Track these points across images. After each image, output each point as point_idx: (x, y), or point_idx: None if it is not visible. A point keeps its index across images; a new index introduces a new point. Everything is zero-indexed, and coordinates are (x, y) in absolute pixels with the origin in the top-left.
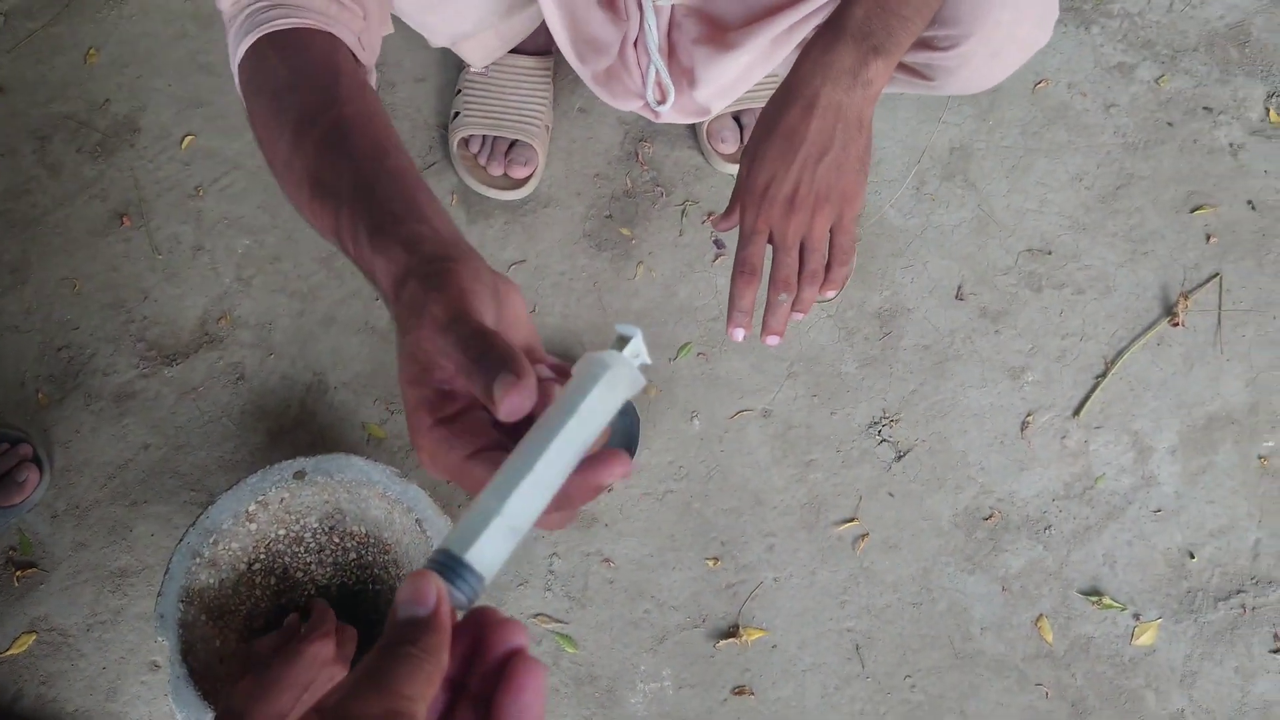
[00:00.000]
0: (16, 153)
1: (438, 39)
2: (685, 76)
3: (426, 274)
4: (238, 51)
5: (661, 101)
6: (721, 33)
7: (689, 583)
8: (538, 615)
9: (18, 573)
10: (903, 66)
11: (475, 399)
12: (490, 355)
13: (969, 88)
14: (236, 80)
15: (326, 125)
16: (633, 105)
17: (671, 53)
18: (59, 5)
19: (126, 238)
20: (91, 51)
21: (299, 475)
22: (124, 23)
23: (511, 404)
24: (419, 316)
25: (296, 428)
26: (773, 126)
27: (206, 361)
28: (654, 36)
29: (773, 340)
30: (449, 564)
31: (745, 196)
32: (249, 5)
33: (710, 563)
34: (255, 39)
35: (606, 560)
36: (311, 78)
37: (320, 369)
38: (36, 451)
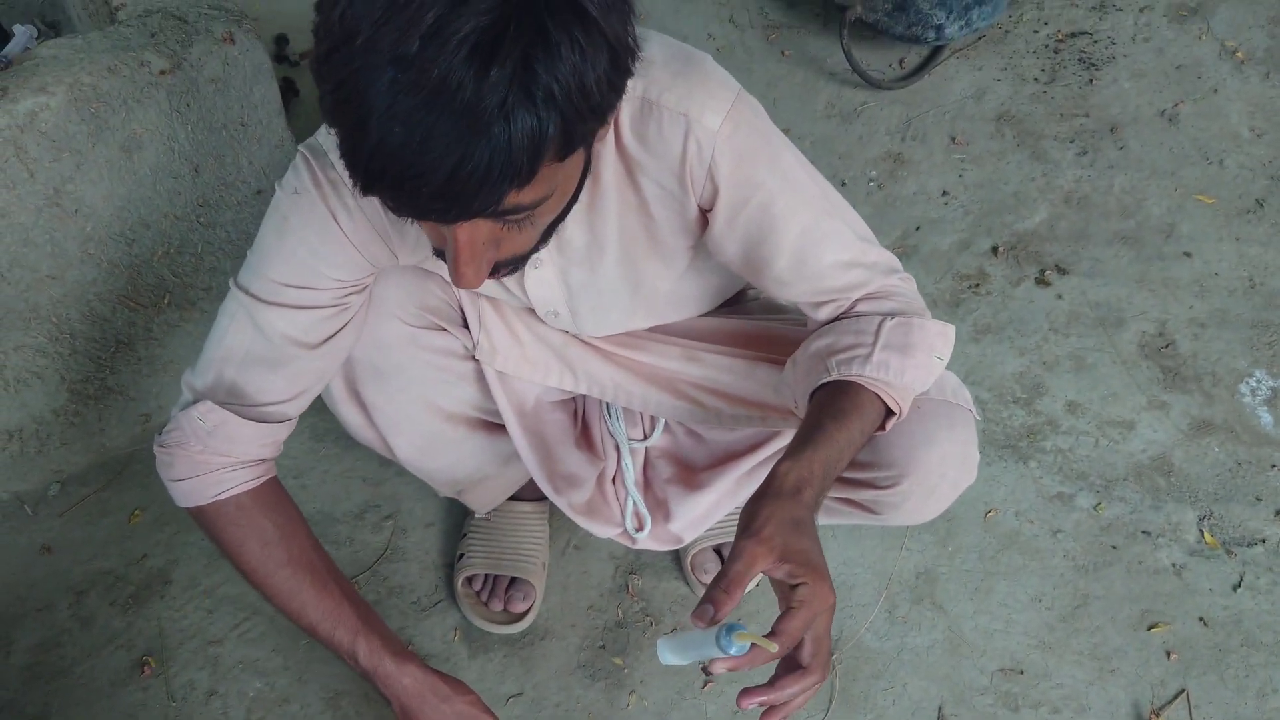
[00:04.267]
0: (53, 608)
1: (442, 489)
2: (660, 509)
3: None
4: (205, 494)
5: (640, 529)
6: (692, 473)
7: None
8: None
9: None
10: (854, 503)
11: None
12: None
13: (913, 519)
14: (198, 501)
15: (322, 569)
16: (611, 533)
17: (647, 487)
18: (112, 472)
19: (145, 686)
20: (136, 512)
21: None
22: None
23: None
24: (459, 690)
25: None
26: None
27: None
28: (631, 474)
29: None
30: None
31: (811, 570)
32: (205, 439)
33: None
34: (229, 495)
35: None
36: (288, 528)
37: None
38: None
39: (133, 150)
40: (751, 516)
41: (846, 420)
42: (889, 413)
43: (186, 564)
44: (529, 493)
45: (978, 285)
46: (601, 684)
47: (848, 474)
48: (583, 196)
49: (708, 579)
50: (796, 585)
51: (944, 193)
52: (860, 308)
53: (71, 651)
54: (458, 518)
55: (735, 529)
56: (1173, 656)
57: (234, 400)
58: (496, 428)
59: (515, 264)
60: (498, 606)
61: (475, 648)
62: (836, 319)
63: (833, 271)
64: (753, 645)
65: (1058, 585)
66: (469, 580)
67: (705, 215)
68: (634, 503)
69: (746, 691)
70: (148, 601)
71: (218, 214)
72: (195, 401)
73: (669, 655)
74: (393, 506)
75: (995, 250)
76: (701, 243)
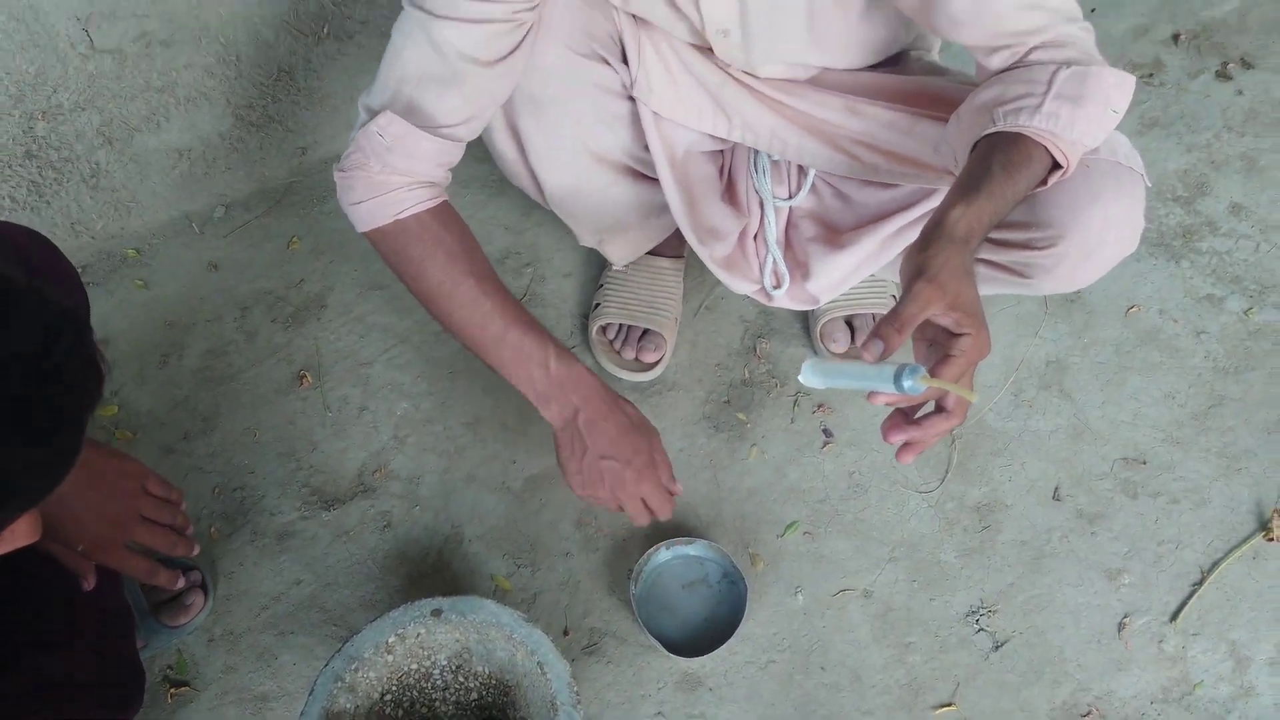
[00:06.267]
0: (221, 320)
1: (584, 237)
2: (800, 269)
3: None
4: (387, 213)
5: (777, 287)
6: (835, 234)
7: None
8: None
9: (172, 690)
10: (1003, 267)
11: None
12: None
13: (1063, 286)
14: (385, 219)
15: (502, 284)
16: (749, 289)
17: (788, 246)
18: (271, 200)
19: (304, 396)
20: (294, 240)
21: (436, 613)
22: (323, 218)
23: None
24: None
25: (432, 574)
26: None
27: (360, 509)
28: (774, 231)
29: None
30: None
31: (977, 321)
32: (385, 156)
33: None
34: (410, 213)
35: None
36: (468, 243)
37: (459, 522)
38: (204, 579)
39: None
40: (927, 260)
41: (1014, 172)
42: (1054, 167)
43: (341, 292)
44: (667, 249)
45: (1151, 75)
46: (724, 435)
47: (1003, 235)
48: None
49: (836, 348)
50: (960, 335)
51: None
52: (1035, 56)
53: (237, 360)
54: (594, 270)
55: (867, 301)
56: None
57: (412, 119)
58: (644, 178)
59: None
60: (630, 354)
61: None
62: (1008, 69)
63: (1011, 12)
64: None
65: (1194, 384)
66: (604, 328)
67: None
68: (774, 259)
69: (895, 427)
70: (305, 322)
71: None
72: (374, 118)
73: (814, 377)
74: (532, 255)
75: (1175, 38)
76: None
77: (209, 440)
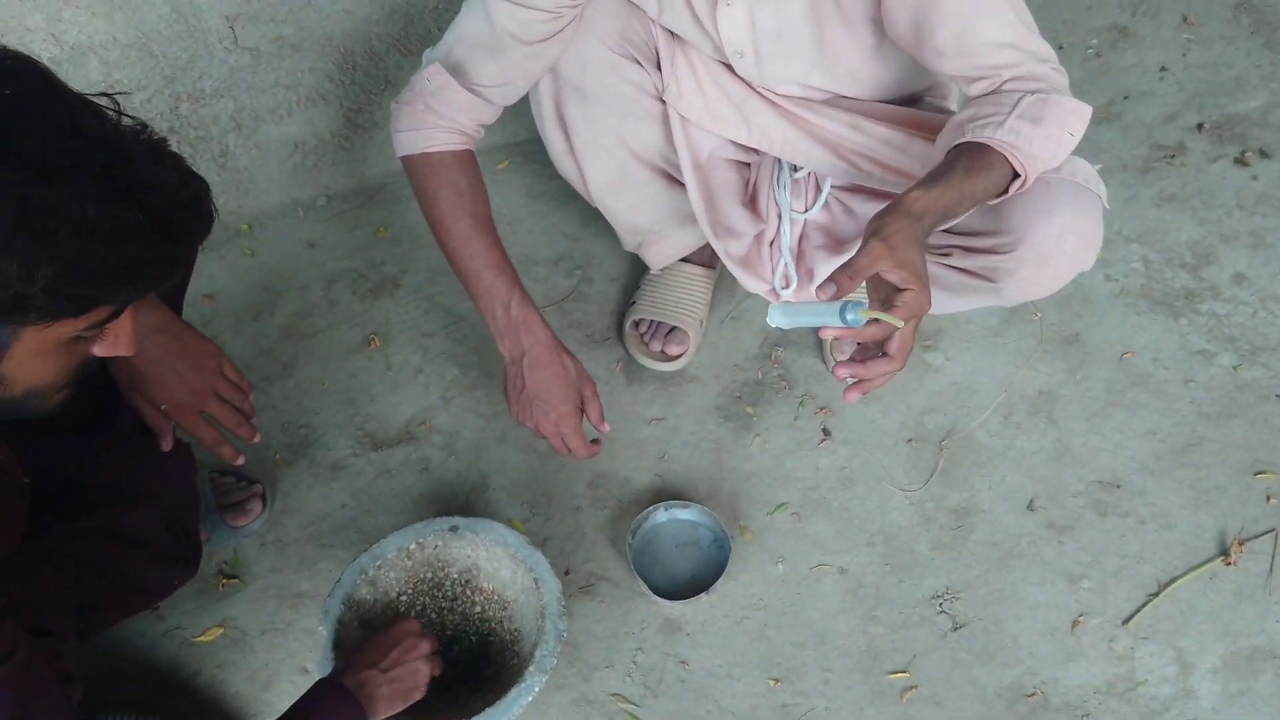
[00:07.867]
0: (310, 288)
1: (626, 239)
2: (807, 275)
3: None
4: (419, 144)
5: (785, 287)
6: (839, 244)
7: (750, 696)
8: (615, 694)
9: (223, 580)
10: (973, 273)
11: None
12: None
13: (1028, 292)
14: (416, 149)
15: (495, 232)
16: (760, 288)
17: (799, 257)
18: (367, 195)
19: (369, 357)
20: (381, 229)
21: (453, 529)
22: (409, 214)
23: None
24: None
25: (459, 513)
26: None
27: (404, 453)
28: (788, 239)
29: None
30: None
31: (919, 280)
32: (428, 98)
33: (771, 682)
34: (436, 150)
35: (683, 662)
36: (477, 189)
37: (486, 473)
38: (265, 493)
39: None
40: (881, 225)
41: (974, 173)
42: (1014, 178)
43: (414, 274)
44: (700, 258)
45: (1173, 156)
46: (732, 425)
47: (971, 241)
48: None
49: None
50: (904, 290)
51: (1162, 68)
52: (1008, 85)
53: (318, 323)
54: (637, 276)
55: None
56: (1272, 501)
57: (456, 75)
58: (677, 182)
59: None
60: (656, 347)
61: (632, 378)
62: (985, 96)
63: (989, 49)
64: (868, 323)
65: (1176, 424)
66: (636, 323)
67: None
68: (785, 263)
69: (843, 364)
70: (380, 296)
71: None
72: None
73: (780, 317)
74: (585, 260)
75: (1200, 127)
76: (882, 21)
77: (284, 385)
